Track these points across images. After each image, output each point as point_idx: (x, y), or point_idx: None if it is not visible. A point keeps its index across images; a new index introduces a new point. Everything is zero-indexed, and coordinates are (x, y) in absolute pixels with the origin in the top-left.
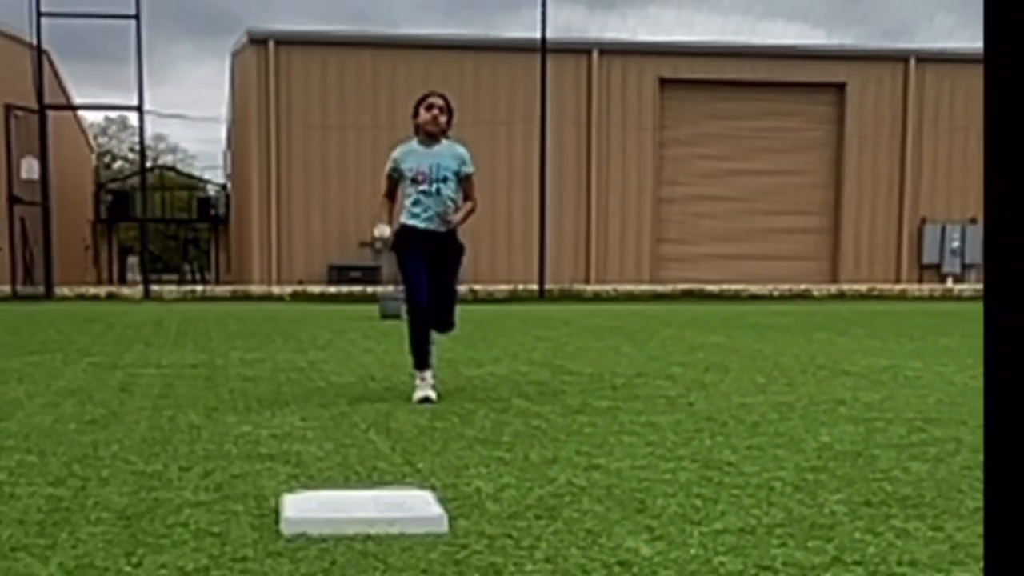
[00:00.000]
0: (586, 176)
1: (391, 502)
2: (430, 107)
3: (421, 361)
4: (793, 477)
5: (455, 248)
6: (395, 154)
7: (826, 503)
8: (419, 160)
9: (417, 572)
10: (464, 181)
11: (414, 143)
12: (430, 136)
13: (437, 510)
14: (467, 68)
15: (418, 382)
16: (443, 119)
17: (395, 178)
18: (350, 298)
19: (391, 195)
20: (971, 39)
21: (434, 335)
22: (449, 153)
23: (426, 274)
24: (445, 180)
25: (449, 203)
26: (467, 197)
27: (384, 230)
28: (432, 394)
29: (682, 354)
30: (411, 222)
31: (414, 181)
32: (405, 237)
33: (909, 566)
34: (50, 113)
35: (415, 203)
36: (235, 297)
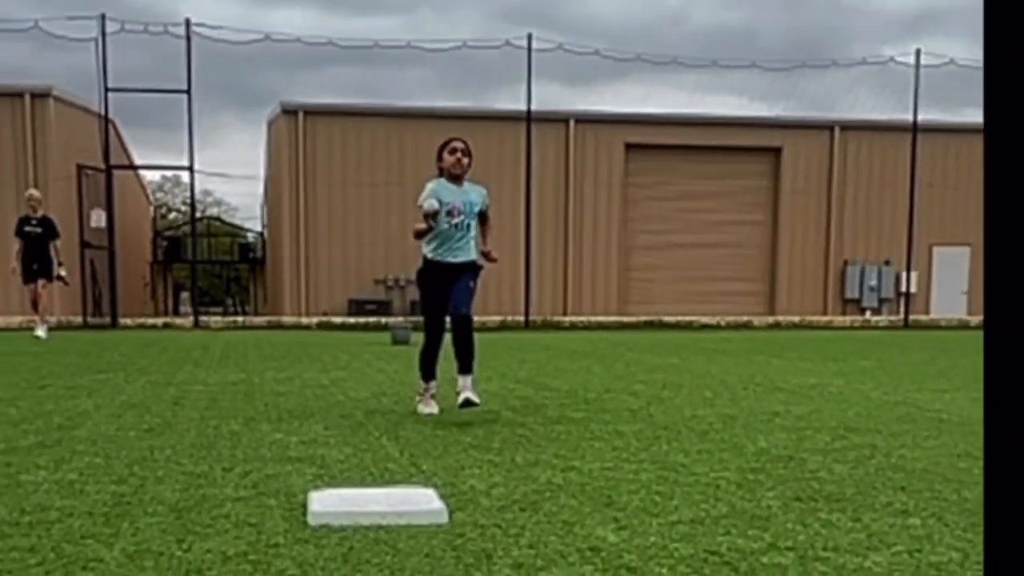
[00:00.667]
0: (564, 224)
1: (400, 498)
2: (453, 151)
3: (429, 372)
4: (736, 477)
5: (474, 268)
6: (431, 186)
7: (763, 498)
8: (453, 196)
9: (421, 557)
10: (484, 214)
11: (443, 181)
12: (455, 177)
13: (438, 504)
14: (464, 134)
15: (423, 396)
16: (465, 161)
17: (433, 210)
18: (366, 327)
19: (425, 234)
20: (884, 112)
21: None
22: (475, 192)
23: (445, 297)
24: (473, 216)
25: (473, 238)
26: (484, 222)
27: (433, 203)
28: (435, 409)
29: (643, 374)
30: (438, 258)
31: (449, 214)
32: (430, 271)
33: (832, 551)
34: (115, 172)
35: (445, 237)
36: (270, 326)
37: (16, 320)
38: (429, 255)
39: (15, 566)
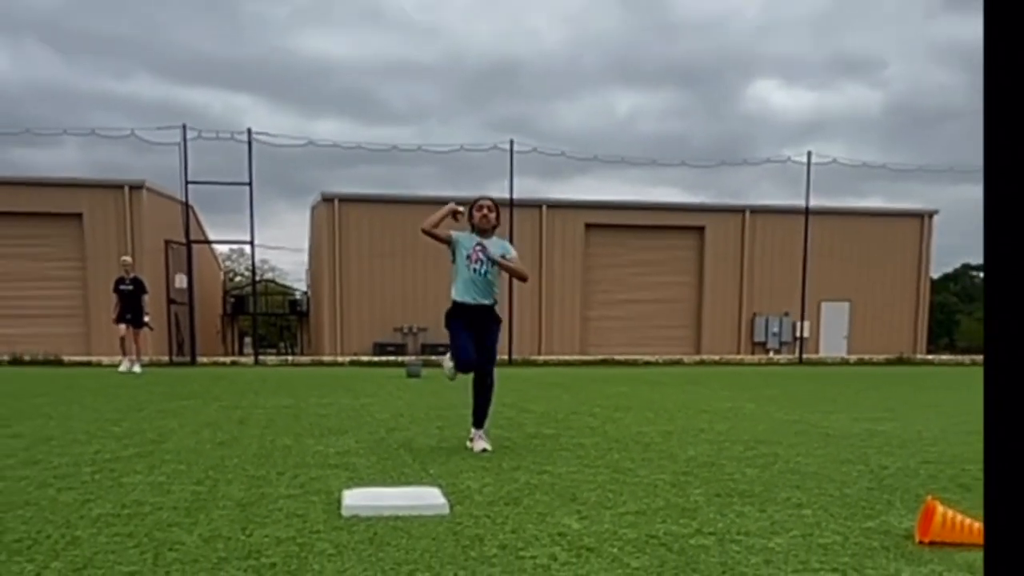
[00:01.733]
0: (539, 284)
1: (413, 495)
2: (480, 207)
3: (477, 417)
4: (671, 478)
5: (495, 319)
6: (456, 235)
7: (691, 495)
8: (474, 243)
9: (429, 540)
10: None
11: (471, 234)
12: (483, 232)
13: (442, 500)
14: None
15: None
16: (492, 216)
17: (450, 241)
18: (387, 364)
19: (436, 231)
20: (783, 199)
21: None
22: (498, 244)
23: (471, 338)
24: (492, 264)
25: (491, 284)
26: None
27: (454, 211)
28: (487, 445)
29: (600, 400)
30: (461, 299)
31: (468, 258)
32: (455, 312)
33: (744, 535)
34: (193, 245)
35: (466, 281)
36: (313, 363)
37: (118, 359)
38: (454, 296)
39: (117, 547)
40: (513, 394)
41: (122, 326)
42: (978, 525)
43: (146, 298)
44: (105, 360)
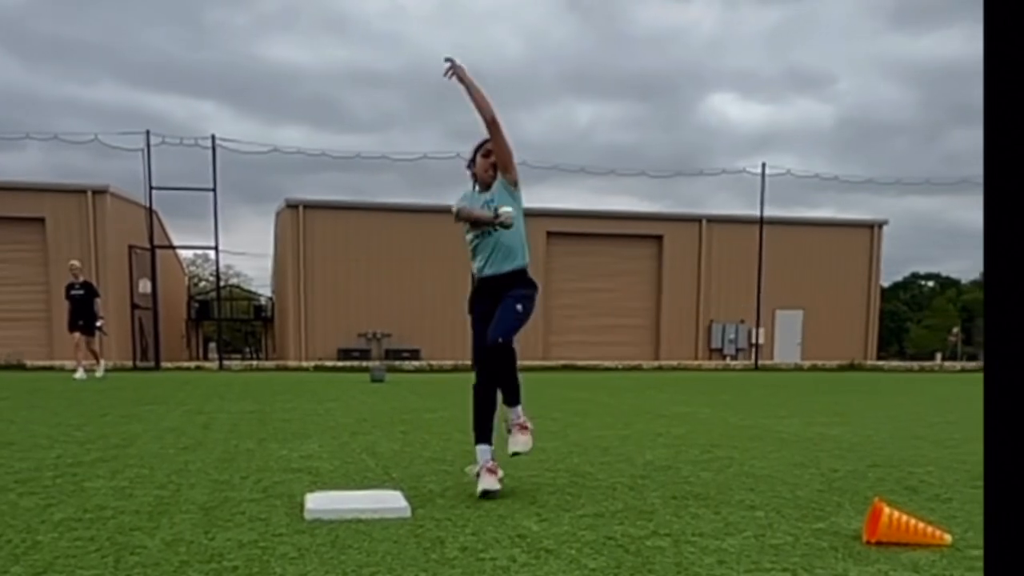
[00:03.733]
0: None
1: (375, 498)
2: (488, 153)
3: (478, 430)
4: (628, 481)
5: (521, 284)
6: (457, 206)
7: (648, 497)
8: (480, 203)
9: (391, 542)
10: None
11: (472, 192)
12: (485, 186)
13: (404, 503)
14: (424, 224)
15: (479, 468)
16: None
17: (461, 210)
18: (351, 369)
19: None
20: (739, 209)
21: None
22: (500, 192)
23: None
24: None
25: (508, 244)
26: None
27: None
28: (496, 485)
29: (561, 404)
30: (476, 273)
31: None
32: (474, 293)
33: (699, 536)
34: (157, 251)
35: (475, 250)
36: (277, 368)
37: (85, 364)
38: (474, 273)
39: (78, 552)
40: None
41: (77, 333)
42: (923, 525)
43: (98, 302)
44: (68, 365)
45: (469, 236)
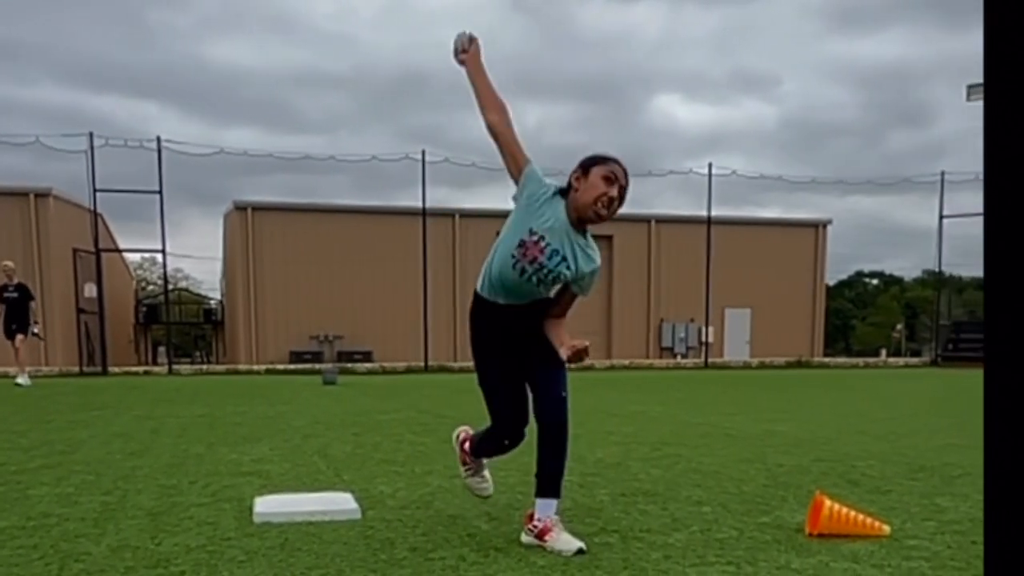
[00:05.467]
0: (452, 292)
1: (325, 500)
2: (612, 180)
3: (478, 450)
4: (578, 479)
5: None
6: (534, 173)
7: (597, 495)
8: (554, 236)
9: (340, 544)
10: (568, 293)
11: (562, 208)
12: (584, 221)
13: (354, 505)
14: (375, 225)
15: (471, 467)
16: (614, 207)
17: (520, 175)
18: (303, 372)
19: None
20: (687, 209)
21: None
22: (586, 255)
23: (510, 377)
24: (554, 280)
25: (540, 293)
26: (560, 304)
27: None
28: (488, 486)
29: None
30: (491, 297)
31: (522, 245)
32: (479, 313)
33: (646, 532)
34: (103, 254)
35: (503, 275)
36: (228, 372)
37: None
38: (479, 288)
39: (21, 560)
40: (428, 400)
41: (20, 336)
42: (862, 517)
43: (33, 305)
44: (11, 371)
45: (514, 255)
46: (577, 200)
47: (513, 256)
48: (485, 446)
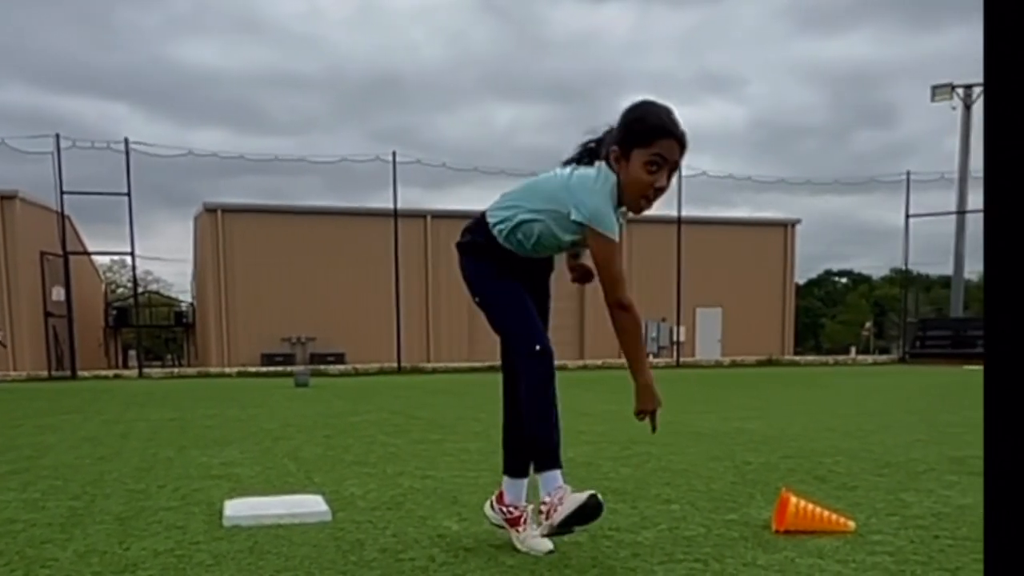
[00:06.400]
0: (425, 294)
1: (295, 503)
2: (659, 165)
3: (508, 461)
4: None
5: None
6: (609, 190)
7: None
8: (615, 221)
9: (310, 547)
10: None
11: (615, 198)
12: (632, 210)
13: (325, 507)
14: (346, 226)
15: (518, 515)
16: (666, 190)
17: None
18: (275, 374)
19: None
20: (658, 209)
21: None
22: (623, 225)
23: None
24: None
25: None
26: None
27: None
28: (547, 545)
29: (486, 404)
30: (510, 245)
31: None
32: (490, 254)
33: (615, 531)
34: (71, 257)
35: (536, 247)
36: (199, 375)
37: None
38: (499, 236)
39: None
40: (401, 401)
41: None
42: (828, 513)
43: None
44: None
45: (564, 237)
46: (622, 187)
47: (561, 247)
48: (513, 447)
